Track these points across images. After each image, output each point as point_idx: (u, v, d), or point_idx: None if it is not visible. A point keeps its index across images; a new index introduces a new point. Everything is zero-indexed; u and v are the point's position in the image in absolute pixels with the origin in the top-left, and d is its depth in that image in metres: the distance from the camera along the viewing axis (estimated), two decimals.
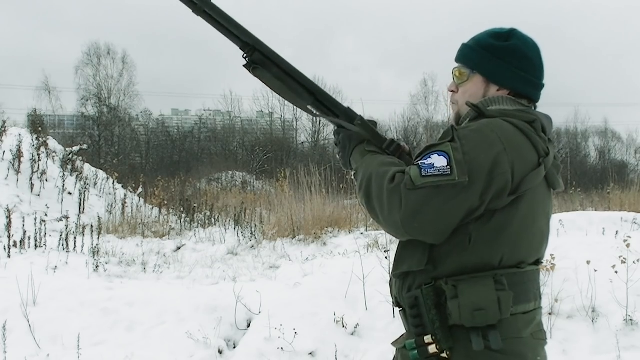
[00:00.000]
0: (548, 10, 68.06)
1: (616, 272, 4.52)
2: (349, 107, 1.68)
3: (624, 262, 4.56)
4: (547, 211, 1.58)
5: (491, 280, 1.41)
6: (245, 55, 1.64)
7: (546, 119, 1.60)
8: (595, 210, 11.54)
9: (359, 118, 1.65)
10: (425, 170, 1.41)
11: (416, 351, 1.45)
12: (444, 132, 1.49)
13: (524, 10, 66.52)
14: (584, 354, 4.18)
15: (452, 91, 1.68)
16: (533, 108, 1.64)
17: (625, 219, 7.60)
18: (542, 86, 1.65)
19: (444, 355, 1.43)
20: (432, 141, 1.51)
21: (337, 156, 1.71)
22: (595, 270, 4.59)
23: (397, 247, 1.58)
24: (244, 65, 1.64)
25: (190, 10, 1.63)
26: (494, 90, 1.61)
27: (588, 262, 4.64)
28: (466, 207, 1.41)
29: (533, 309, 1.51)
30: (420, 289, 1.46)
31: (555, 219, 7.19)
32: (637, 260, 4.70)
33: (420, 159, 1.45)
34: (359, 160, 1.61)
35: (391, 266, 1.60)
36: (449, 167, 1.40)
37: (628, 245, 4.77)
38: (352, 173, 1.65)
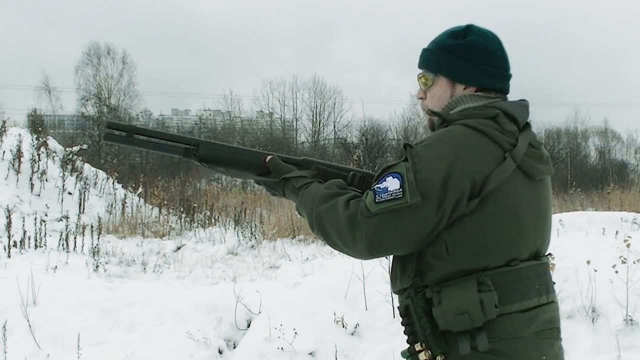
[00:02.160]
0: (547, 9, 68.08)
1: (616, 272, 4.52)
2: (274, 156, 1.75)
3: (624, 262, 4.56)
4: (536, 203, 1.52)
5: (474, 283, 1.40)
6: (191, 157, 1.76)
7: (517, 106, 1.55)
8: (595, 210, 11.54)
9: (270, 162, 1.73)
10: (379, 195, 1.43)
11: (410, 359, 1.46)
12: (400, 150, 1.50)
13: (523, 9, 66.60)
14: (584, 354, 4.18)
15: (421, 98, 1.66)
16: (504, 99, 1.60)
17: (625, 219, 7.60)
18: (508, 77, 1.62)
19: None
20: (389, 162, 1.53)
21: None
22: (595, 270, 4.59)
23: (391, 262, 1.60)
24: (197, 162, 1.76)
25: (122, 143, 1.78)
26: (461, 90, 1.58)
27: (588, 262, 4.64)
28: (426, 225, 1.41)
29: (536, 305, 1.47)
30: (410, 298, 1.47)
31: (555, 219, 7.19)
32: (637, 260, 4.69)
33: (376, 183, 1.46)
34: (295, 199, 1.64)
35: (391, 265, 1.61)
36: (401, 189, 1.41)
37: (628, 245, 4.77)
38: (296, 212, 1.67)
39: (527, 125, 1.55)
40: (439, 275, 1.44)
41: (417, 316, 1.45)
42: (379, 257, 1.48)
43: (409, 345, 1.46)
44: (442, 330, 1.42)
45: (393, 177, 1.44)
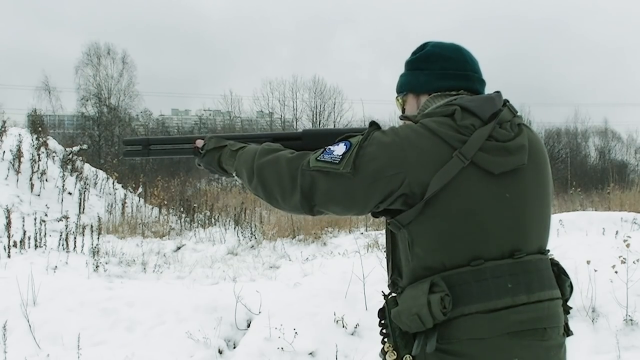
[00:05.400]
0: (547, 8, 68.07)
1: (616, 272, 4.52)
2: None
3: (624, 262, 4.56)
4: (507, 198, 1.45)
5: (426, 284, 1.40)
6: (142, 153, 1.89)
7: (480, 100, 1.51)
8: (595, 210, 11.54)
9: (209, 136, 1.81)
10: (323, 155, 1.51)
11: (382, 359, 1.50)
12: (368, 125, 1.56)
13: (524, 6, 66.58)
14: (584, 354, 4.18)
15: (401, 118, 1.71)
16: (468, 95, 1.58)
17: (625, 219, 7.60)
18: (471, 76, 1.61)
19: None
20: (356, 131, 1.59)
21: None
22: (595, 270, 4.59)
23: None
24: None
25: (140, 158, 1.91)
26: (425, 99, 1.62)
27: (588, 262, 4.64)
28: (350, 196, 1.47)
29: (508, 305, 1.40)
30: (386, 300, 1.51)
31: (555, 219, 7.19)
32: (637, 260, 4.70)
33: (333, 142, 1.54)
34: (233, 162, 1.70)
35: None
36: (341, 156, 1.48)
37: (628, 245, 4.77)
38: (234, 174, 1.72)
39: (496, 115, 1.48)
40: (410, 273, 1.47)
41: (389, 318, 1.48)
42: (313, 214, 1.54)
43: (382, 344, 1.50)
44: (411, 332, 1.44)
45: (344, 144, 1.51)
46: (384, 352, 1.49)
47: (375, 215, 1.55)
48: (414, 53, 1.68)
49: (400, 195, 1.44)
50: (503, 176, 1.45)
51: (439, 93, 1.60)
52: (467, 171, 1.43)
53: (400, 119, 1.63)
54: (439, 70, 1.60)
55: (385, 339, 1.49)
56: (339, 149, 1.50)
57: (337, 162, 1.48)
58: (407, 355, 1.43)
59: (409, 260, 1.47)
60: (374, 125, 1.53)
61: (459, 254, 1.42)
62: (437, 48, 1.64)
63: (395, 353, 1.45)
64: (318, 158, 1.51)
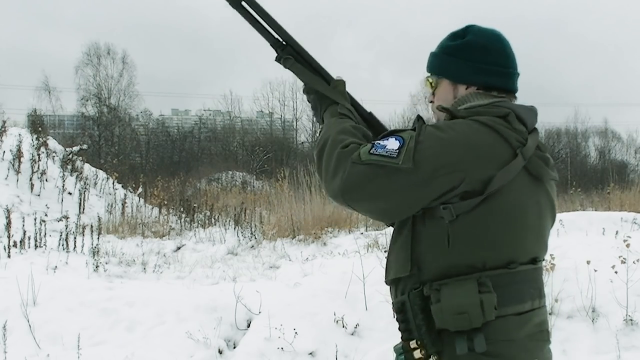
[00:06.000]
0: (547, 7, 68.10)
1: (616, 272, 4.52)
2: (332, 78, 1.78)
3: (624, 262, 4.57)
4: (539, 207, 1.51)
5: (474, 283, 1.39)
6: (277, 50, 1.77)
7: (526, 110, 1.55)
8: (595, 210, 11.54)
9: (338, 82, 1.74)
10: (375, 148, 1.45)
11: (403, 356, 1.45)
12: (413, 121, 1.53)
13: (524, 4, 66.61)
14: (584, 354, 4.18)
15: (431, 101, 1.69)
16: (514, 98, 1.61)
17: (625, 219, 7.60)
18: (513, 74, 1.61)
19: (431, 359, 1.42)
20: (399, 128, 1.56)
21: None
22: (595, 270, 4.59)
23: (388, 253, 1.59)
24: (275, 59, 1.77)
25: (227, 3, 1.76)
26: (463, 90, 1.60)
27: (588, 262, 4.64)
28: (404, 192, 1.43)
29: (529, 309, 1.47)
30: (407, 294, 1.46)
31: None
32: (637, 260, 4.70)
33: (379, 139, 1.49)
34: (326, 119, 1.68)
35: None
36: (398, 151, 1.43)
37: (628, 245, 4.77)
38: (320, 129, 1.69)
39: (535, 130, 1.55)
40: (438, 270, 1.43)
41: (412, 313, 1.44)
42: (347, 204, 1.50)
43: (402, 341, 1.46)
44: (437, 329, 1.41)
45: (396, 139, 1.46)
46: (407, 349, 1.44)
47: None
48: (454, 37, 1.63)
49: (461, 192, 1.41)
50: (542, 186, 1.52)
51: (481, 91, 1.58)
52: (522, 173, 1.46)
53: (439, 110, 1.58)
54: (481, 63, 1.57)
55: (408, 335, 1.44)
56: (392, 144, 1.45)
57: (395, 156, 1.42)
58: (434, 354, 1.41)
59: (441, 255, 1.43)
60: (421, 119, 1.50)
61: (500, 255, 1.44)
62: (480, 37, 1.59)
63: (425, 351, 1.42)
64: (371, 152, 1.45)
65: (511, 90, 1.61)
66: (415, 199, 1.43)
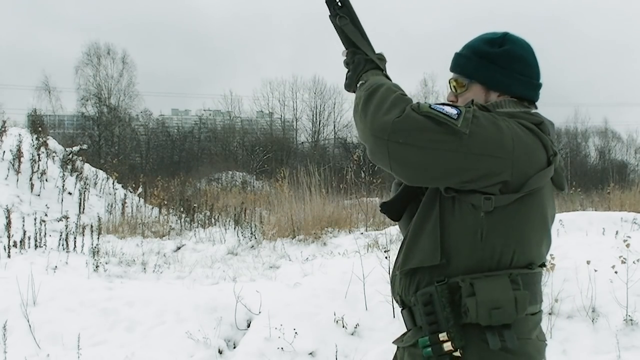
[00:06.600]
0: (547, 7, 68.09)
1: (616, 272, 4.52)
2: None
3: (624, 262, 4.56)
4: (553, 214, 1.58)
5: (507, 279, 1.41)
6: (332, 7, 1.73)
7: (550, 123, 1.61)
8: (595, 210, 11.53)
9: (382, 55, 1.72)
10: (435, 107, 1.42)
11: (430, 349, 1.44)
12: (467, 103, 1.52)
13: (524, 4, 66.59)
14: (584, 354, 4.18)
15: (452, 101, 1.67)
16: (535, 109, 1.65)
17: (625, 219, 7.60)
18: (540, 86, 1.66)
19: (456, 353, 1.42)
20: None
21: (346, 76, 1.72)
22: (595, 270, 4.59)
23: (404, 242, 1.56)
24: (329, 16, 1.74)
25: None
26: (495, 96, 1.61)
27: (588, 262, 4.64)
28: (451, 156, 1.39)
29: (538, 311, 1.53)
30: (434, 286, 1.45)
31: (555, 218, 7.18)
32: (637, 260, 4.69)
33: (436, 104, 1.46)
34: (371, 77, 1.61)
35: (392, 265, 1.61)
36: (458, 114, 1.40)
37: (628, 245, 4.77)
38: (359, 84, 1.61)
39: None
40: (468, 262, 1.44)
41: (440, 306, 1.44)
42: (387, 143, 1.40)
43: (429, 334, 1.44)
44: (462, 323, 1.42)
45: (453, 108, 1.43)
46: (436, 342, 1.43)
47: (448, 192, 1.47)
48: (492, 43, 1.62)
49: (498, 182, 1.42)
50: (553, 195, 1.59)
51: (515, 99, 1.60)
52: (549, 181, 1.53)
53: (477, 106, 1.53)
54: (519, 74, 1.60)
55: (437, 327, 1.44)
56: (450, 109, 1.42)
57: (455, 118, 1.39)
58: (460, 348, 1.42)
59: (472, 248, 1.44)
60: (473, 102, 1.51)
61: (525, 255, 1.47)
62: (519, 48, 1.62)
63: (454, 343, 1.42)
64: (432, 107, 1.41)
65: (535, 102, 1.65)
66: (457, 167, 1.41)
